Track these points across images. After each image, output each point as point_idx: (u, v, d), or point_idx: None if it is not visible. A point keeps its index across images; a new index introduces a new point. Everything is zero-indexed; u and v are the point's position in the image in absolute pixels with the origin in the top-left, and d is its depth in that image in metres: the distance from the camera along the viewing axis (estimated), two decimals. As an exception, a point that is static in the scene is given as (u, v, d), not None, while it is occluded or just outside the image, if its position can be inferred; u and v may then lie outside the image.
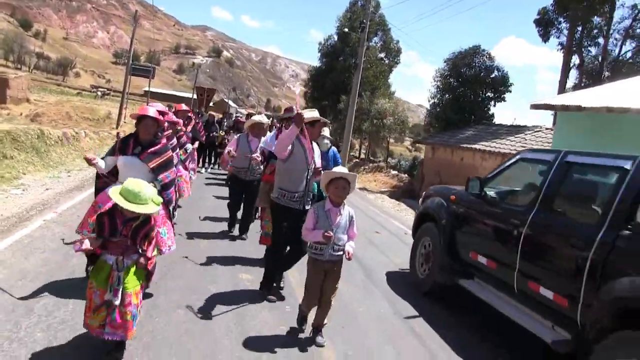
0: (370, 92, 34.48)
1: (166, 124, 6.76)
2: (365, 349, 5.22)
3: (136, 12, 37.51)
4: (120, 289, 3.93)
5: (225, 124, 18.74)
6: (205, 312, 5.45)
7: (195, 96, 44.85)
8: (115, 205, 4.01)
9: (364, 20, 27.66)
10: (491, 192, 6.65)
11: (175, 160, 6.26)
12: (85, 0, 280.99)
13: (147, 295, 5.24)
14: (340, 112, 35.70)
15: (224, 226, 9.49)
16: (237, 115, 23.65)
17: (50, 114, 33.01)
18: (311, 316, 5.30)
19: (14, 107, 34.74)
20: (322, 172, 5.64)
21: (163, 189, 5.51)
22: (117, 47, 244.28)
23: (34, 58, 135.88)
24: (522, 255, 5.44)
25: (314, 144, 6.15)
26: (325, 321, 5.18)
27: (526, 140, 17.86)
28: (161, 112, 5.91)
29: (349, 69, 37.05)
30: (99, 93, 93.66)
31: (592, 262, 4.59)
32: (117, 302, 3.90)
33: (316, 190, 6.47)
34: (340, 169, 5.12)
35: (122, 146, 5.49)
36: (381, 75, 36.90)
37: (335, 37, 42.38)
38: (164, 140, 5.80)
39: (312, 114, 6.08)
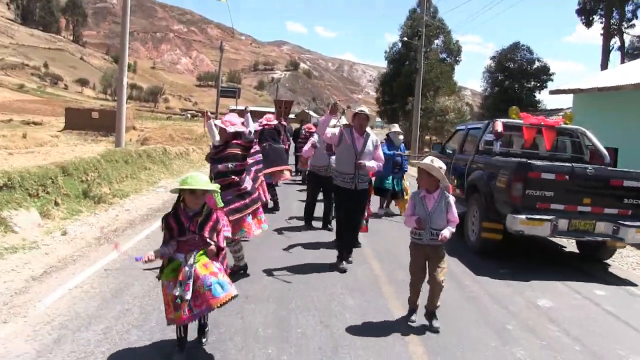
0: (433, 92, 37.55)
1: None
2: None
3: (221, 43, 42.32)
4: (191, 283, 3.88)
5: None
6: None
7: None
8: (178, 206, 4.15)
9: (419, 29, 30.94)
10: (447, 149, 11.40)
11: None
12: (167, 30, 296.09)
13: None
14: (409, 112, 38.92)
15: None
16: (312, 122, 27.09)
17: (155, 137, 38.16)
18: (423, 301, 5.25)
19: (124, 135, 40.19)
20: (365, 165, 6.69)
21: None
22: (199, 70, 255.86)
23: (128, 89, 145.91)
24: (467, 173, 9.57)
25: (370, 134, 7.03)
26: (438, 303, 5.15)
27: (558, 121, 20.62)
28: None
29: (413, 73, 40.33)
30: (188, 115, 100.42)
31: (469, 167, 9.30)
32: (188, 297, 3.86)
33: (376, 183, 9.57)
34: (427, 162, 5.10)
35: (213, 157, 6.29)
36: (442, 75, 39.79)
37: (400, 44, 45.69)
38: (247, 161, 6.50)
39: (359, 109, 7.15)
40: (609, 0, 28.16)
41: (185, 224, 4.06)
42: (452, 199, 5.16)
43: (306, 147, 9.15)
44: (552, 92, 18.45)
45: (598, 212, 7.62)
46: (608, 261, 8.81)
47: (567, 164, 7.95)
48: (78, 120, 49.59)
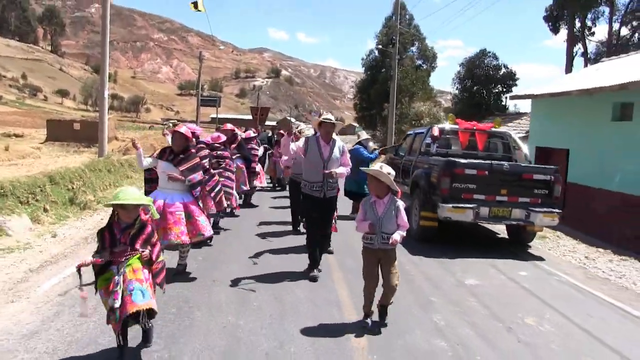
0: (408, 98, 38.73)
1: (194, 140, 7.21)
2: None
3: (200, 53, 43.21)
4: (120, 291, 4.00)
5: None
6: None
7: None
8: (112, 219, 4.33)
9: (394, 37, 32.12)
10: (400, 152, 12.86)
11: (202, 167, 7.01)
12: (147, 38, 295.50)
13: (205, 273, 6.66)
14: (386, 118, 40.03)
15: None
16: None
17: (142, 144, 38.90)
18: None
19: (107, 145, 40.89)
20: (334, 173, 6.77)
21: (192, 188, 6.65)
22: (180, 79, 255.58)
23: (109, 99, 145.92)
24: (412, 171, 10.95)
25: (336, 141, 7.09)
26: (392, 301, 5.44)
27: (520, 124, 21.85)
28: (192, 132, 6.94)
29: (389, 80, 41.51)
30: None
31: (413, 167, 10.81)
32: (117, 305, 3.96)
33: (354, 188, 10.60)
34: (376, 169, 5.28)
35: (160, 153, 6.72)
36: (417, 81, 41.04)
37: (376, 52, 46.92)
38: (192, 150, 6.84)
39: (323, 117, 7.13)
40: (571, 8, 29.60)
41: (116, 236, 4.24)
42: (401, 204, 5.34)
43: (285, 158, 8.62)
44: (511, 98, 19.82)
45: (513, 200, 9.14)
46: (540, 247, 10.06)
47: (486, 162, 9.40)
48: (60, 132, 49.99)
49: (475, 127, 10.66)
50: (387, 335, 5.10)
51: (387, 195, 5.29)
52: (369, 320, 5.33)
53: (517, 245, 10.09)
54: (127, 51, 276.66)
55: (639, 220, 10.70)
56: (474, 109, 28.27)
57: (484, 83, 29.34)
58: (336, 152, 6.99)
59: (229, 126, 11.70)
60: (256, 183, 13.13)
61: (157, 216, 4.72)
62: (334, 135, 7.20)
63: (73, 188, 12.12)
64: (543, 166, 9.76)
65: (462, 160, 9.37)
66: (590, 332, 5.58)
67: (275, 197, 14.90)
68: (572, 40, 30.87)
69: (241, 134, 12.79)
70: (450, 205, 8.85)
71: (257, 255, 8.05)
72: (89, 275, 4.18)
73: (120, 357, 4.25)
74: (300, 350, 4.65)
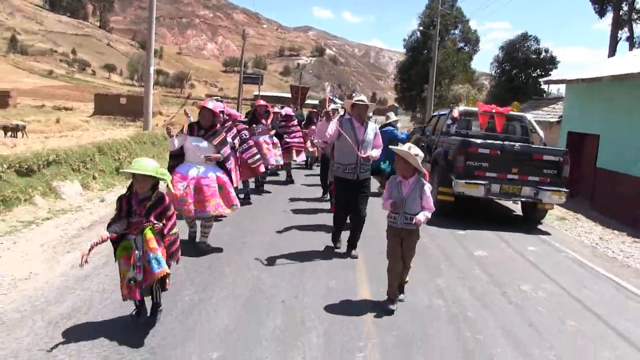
0: (448, 80, 38.87)
1: (222, 117, 7.49)
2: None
3: (243, 31, 44.00)
4: (142, 266, 4.15)
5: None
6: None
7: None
8: (131, 189, 4.41)
9: (435, 19, 32.28)
10: (426, 132, 13.42)
11: (229, 142, 7.17)
12: (193, 15, 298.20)
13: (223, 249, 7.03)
14: (425, 100, 40.27)
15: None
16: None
17: (181, 122, 39.97)
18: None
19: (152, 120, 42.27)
20: (370, 156, 6.74)
21: (224, 161, 6.84)
22: (225, 55, 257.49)
23: (154, 75, 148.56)
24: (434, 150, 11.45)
25: (369, 123, 7.02)
26: (407, 279, 5.53)
27: (555, 109, 21.88)
28: (220, 109, 7.20)
29: (429, 61, 41.63)
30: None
31: (435, 146, 11.33)
32: (140, 279, 4.14)
33: (384, 166, 10.61)
34: (404, 149, 5.21)
35: (189, 129, 6.75)
36: (458, 63, 41.03)
37: (418, 33, 46.93)
38: (218, 125, 6.98)
39: (357, 98, 7.01)
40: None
41: (133, 207, 4.32)
42: (427, 186, 5.29)
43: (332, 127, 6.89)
44: (545, 82, 19.89)
45: (523, 179, 9.81)
46: (558, 228, 10.51)
47: (498, 142, 10.08)
48: (107, 106, 51.68)
49: (494, 110, 11.13)
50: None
51: (413, 176, 5.26)
52: (392, 307, 5.26)
53: (531, 224, 10.60)
54: (173, 27, 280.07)
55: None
56: (512, 92, 28.30)
57: (523, 67, 29.35)
58: (370, 134, 6.89)
59: (262, 102, 12.07)
60: (294, 157, 13.27)
61: (173, 190, 4.79)
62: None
63: (119, 158, 12.99)
64: (552, 148, 10.47)
65: (476, 140, 10.03)
66: (580, 300, 6.12)
67: (308, 175, 15.37)
68: (617, 24, 30.44)
69: (279, 111, 13.36)
70: (464, 181, 9.56)
71: (286, 229, 8.49)
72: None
73: (138, 315, 4.45)
74: (312, 301, 5.33)
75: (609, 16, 31.02)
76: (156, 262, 4.14)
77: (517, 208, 11.99)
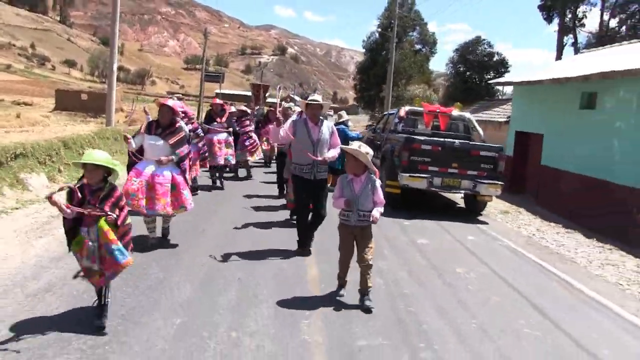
0: (405, 80, 39.79)
1: (181, 114, 7.56)
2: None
3: (205, 29, 44.24)
4: (96, 256, 4.22)
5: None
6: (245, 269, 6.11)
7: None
8: (81, 180, 4.36)
9: (392, 21, 33.14)
10: (377, 130, 14.25)
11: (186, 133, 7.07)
12: (155, 12, 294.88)
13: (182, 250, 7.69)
14: (383, 100, 41.12)
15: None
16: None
17: (142, 119, 40.02)
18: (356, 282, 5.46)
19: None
20: (325, 158, 6.74)
21: (180, 160, 6.79)
22: (187, 53, 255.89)
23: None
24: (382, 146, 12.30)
25: (324, 122, 7.00)
26: (370, 284, 5.38)
27: (505, 109, 22.83)
28: (178, 106, 7.18)
29: (387, 62, 42.53)
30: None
31: (383, 142, 12.28)
32: (96, 268, 4.25)
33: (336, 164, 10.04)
34: (355, 147, 5.30)
35: (147, 127, 6.70)
36: (415, 64, 42.02)
37: (377, 35, 47.85)
38: (178, 124, 6.82)
39: (310, 98, 7.11)
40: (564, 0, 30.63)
41: (87, 197, 4.28)
42: (378, 182, 5.42)
43: (284, 129, 6.99)
44: (494, 84, 20.79)
45: (463, 173, 10.69)
46: (499, 220, 11.36)
47: (439, 139, 10.93)
48: (68, 102, 51.18)
49: (438, 110, 11.93)
50: (335, 271, 6.11)
51: (364, 173, 5.37)
52: (343, 292, 5.61)
53: (472, 215, 11.41)
54: (134, 24, 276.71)
55: (592, 199, 11.85)
56: (466, 93, 29.41)
57: (477, 69, 30.58)
58: (325, 133, 6.86)
59: (218, 101, 12.58)
60: (248, 157, 13.69)
61: (116, 180, 4.66)
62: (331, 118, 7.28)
63: (84, 153, 13.29)
64: (489, 144, 11.36)
65: (420, 137, 10.93)
66: (507, 280, 6.81)
67: (267, 172, 15.68)
68: (562, 30, 31.90)
69: (234, 110, 13.76)
70: (408, 174, 10.38)
71: (243, 223, 8.78)
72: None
73: (100, 309, 4.47)
74: (264, 280, 5.89)
75: (556, 22, 32.51)
76: (120, 252, 4.27)
77: (460, 201, 12.85)
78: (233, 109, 13.91)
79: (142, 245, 6.56)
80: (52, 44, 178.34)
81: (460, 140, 11.34)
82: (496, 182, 10.78)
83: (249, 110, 14.65)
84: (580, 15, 31.35)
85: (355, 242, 5.46)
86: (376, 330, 4.82)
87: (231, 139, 12.28)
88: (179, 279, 5.71)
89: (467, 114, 13.15)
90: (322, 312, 5.14)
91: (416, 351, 4.50)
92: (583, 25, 31.78)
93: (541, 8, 33.05)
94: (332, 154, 6.85)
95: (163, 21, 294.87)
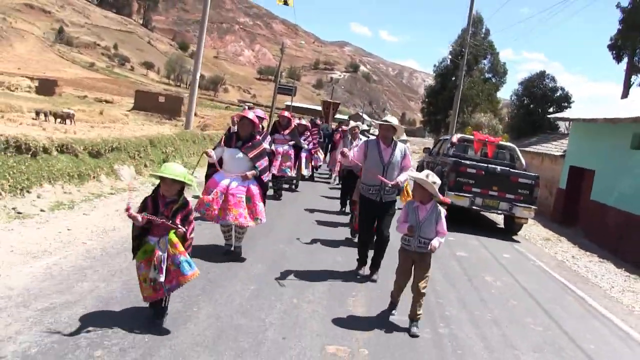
0: (472, 108, 40.53)
1: (261, 127, 7.51)
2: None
3: (282, 43, 46.24)
4: (164, 267, 4.31)
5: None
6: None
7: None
8: (158, 191, 4.52)
9: (463, 49, 34.10)
10: (433, 153, 15.20)
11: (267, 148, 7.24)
12: (233, 21, 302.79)
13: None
14: (449, 125, 41.87)
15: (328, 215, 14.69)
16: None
17: (214, 124, 42.34)
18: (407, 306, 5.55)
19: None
20: (389, 184, 6.65)
21: (261, 174, 6.77)
22: (261, 63, 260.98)
23: (190, 76, 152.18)
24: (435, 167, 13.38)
25: (398, 144, 6.88)
26: (420, 312, 5.48)
27: (563, 144, 23.38)
28: (259, 117, 7.20)
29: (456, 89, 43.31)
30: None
31: (436, 163, 13.82)
32: (162, 280, 4.32)
33: None
34: (422, 177, 5.36)
35: (227, 140, 6.75)
36: (483, 93, 42.60)
37: (448, 60, 48.68)
38: (258, 137, 6.88)
39: (383, 119, 7.02)
40: (634, 40, 30.94)
41: (160, 208, 4.42)
42: (443, 212, 5.46)
43: (354, 151, 7.13)
44: (553, 119, 21.54)
45: (502, 195, 12.01)
46: (539, 245, 12.32)
47: (483, 164, 12.19)
48: (146, 102, 54.27)
49: (486, 139, 13.11)
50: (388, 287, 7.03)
51: (430, 201, 5.46)
52: (394, 312, 5.82)
53: (513, 237, 12.54)
54: (212, 32, 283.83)
55: (634, 235, 12.53)
56: (529, 125, 30.03)
57: (540, 102, 31.29)
58: (397, 156, 6.78)
59: (286, 113, 13.05)
60: (305, 172, 14.34)
61: (197, 193, 4.98)
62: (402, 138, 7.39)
63: (166, 151, 14.97)
64: (527, 173, 12.53)
65: (466, 162, 12.27)
66: (527, 289, 7.90)
67: (332, 188, 16.07)
68: (631, 69, 32.11)
69: (299, 121, 14.71)
70: (454, 193, 11.70)
71: (304, 226, 10.36)
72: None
73: (161, 310, 4.65)
74: (321, 269, 7.22)
75: (626, 61, 32.58)
76: (187, 264, 4.46)
77: (501, 221, 14.10)
78: (303, 121, 15.18)
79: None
80: (133, 45, 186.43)
81: (502, 167, 12.52)
82: (530, 206, 12.11)
83: (309, 125, 15.29)
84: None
85: (412, 268, 5.61)
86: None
87: (292, 151, 12.59)
88: (253, 259, 7.08)
89: (512, 145, 14.35)
90: (365, 293, 6.41)
91: (437, 329, 5.69)
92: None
93: (610, 47, 33.29)
94: (403, 177, 6.84)
95: (240, 31, 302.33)
